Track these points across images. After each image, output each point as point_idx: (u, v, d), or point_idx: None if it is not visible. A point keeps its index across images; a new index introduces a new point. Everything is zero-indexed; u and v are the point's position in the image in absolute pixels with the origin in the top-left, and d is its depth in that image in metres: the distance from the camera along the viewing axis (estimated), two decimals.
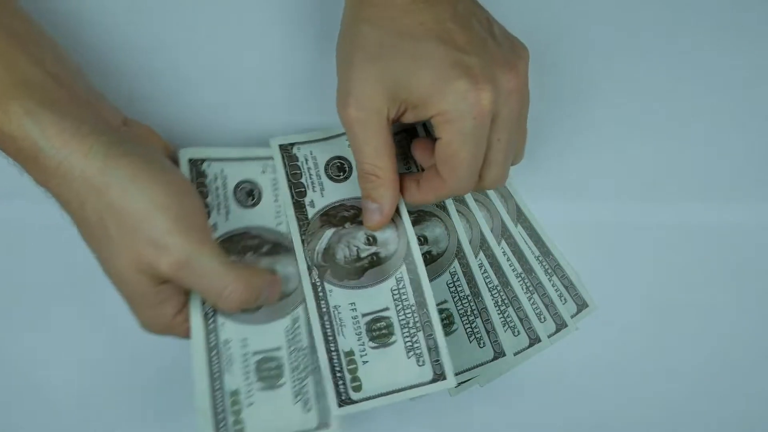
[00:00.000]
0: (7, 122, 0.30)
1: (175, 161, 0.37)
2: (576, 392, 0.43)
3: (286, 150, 0.40)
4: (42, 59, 0.32)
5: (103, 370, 0.41)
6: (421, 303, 0.37)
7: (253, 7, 0.43)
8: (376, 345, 0.36)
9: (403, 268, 0.38)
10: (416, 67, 0.32)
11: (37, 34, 0.34)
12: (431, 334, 0.36)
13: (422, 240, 0.41)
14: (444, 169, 0.34)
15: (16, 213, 0.41)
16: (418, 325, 0.37)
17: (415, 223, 0.41)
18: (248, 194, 0.38)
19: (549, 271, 0.44)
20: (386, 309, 0.37)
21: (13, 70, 0.31)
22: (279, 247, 0.38)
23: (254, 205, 0.38)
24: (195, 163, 0.37)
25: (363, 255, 0.38)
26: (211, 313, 0.35)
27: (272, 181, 0.39)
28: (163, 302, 0.33)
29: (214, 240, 0.33)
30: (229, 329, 0.35)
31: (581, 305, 0.43)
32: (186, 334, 0.35)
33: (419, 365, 0.36)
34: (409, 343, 0.36)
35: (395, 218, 0.38)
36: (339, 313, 0.37)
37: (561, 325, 0.43)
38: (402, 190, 0.37)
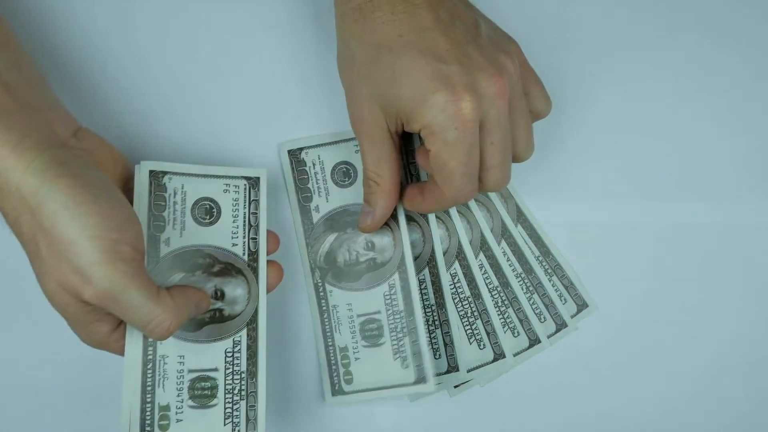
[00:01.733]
0: None
1: (128, 174, 0.37)
2: (576, 392, 0.43)
3: (294, 155, 0.42)
4: None
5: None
6: (409, 310, 0.40)
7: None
8: (367, 344, 0.40)
9: (396, 275, 0.40)
10: (397, 83, 0.33)
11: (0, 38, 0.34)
12: (416, 340, 0.39)
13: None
14: (439, 180, 0.35)
15: None
16: (405, 330, 0.39)
17: None
18: (207, 212, 0.38)
19: (549, 271, 0.44)
20: (378, 312, 0.40)
21: None
22: (230, 268, 0.37)
23: (211, 223, 0.38)
24: (156, 176, 0.37)
25: (362, 259, 0.40)
26: None
27: (233, 201, 0.38)
28: (95, 322, 0.33)
29: (147, 269, 0.33)
30: (166, 346, 0.35)
31: (581, 305, 0.44)
32: (122, 351, 0.34)
33: (404, 368, 0.39)
34: (396, 346, 0.39)
35: (393, 227, 0.41)
36: (337, 312, 0.40)
37: (561, 325, 0.43)
38: (406, 197, 0.39)
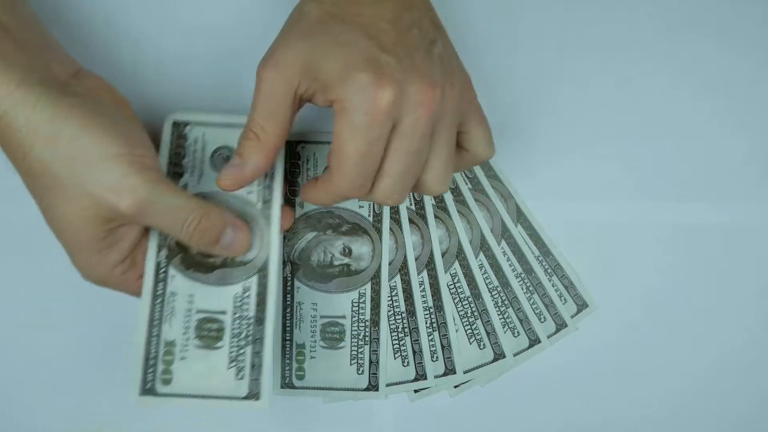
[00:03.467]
0: None
1: (129, 114, 0.37)
2: (576, 392, 0.43)
3: (177, 127, 0.39)
4: None
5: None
6: (375, 320, 0.41)
7: None
8: (325, 346, 0.41)
9: (368, 286, 0.41)
10: (334, 50, 0.32)
11: None
12: (375, 350, 0.41)
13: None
14: (333, 164, 0.33)
15: None
16: (366, 338, 0.41)
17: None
18: (225, 160, 0.38)
19: (549, 271, 0.44)
20: (342, 317, 0.41)
21: None
22: (244, 214, 0.37)
23: None
24: (178, 126, 0.38)
25: (335, 263, 0.41)
26: (163, 263, 0.36)
27: None
28: (106, 249, 0.33)
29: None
30: (178, 283, 0.36)
31: (581, 305, 0.44)
32: (122, 288, 0.35)
33: (359, 374, 0.40)
34: (354, 352, 0.41)
35: (374, 239, 0.41)
36: (301, 309, 0.41)
37: (561, 325, 0.43)
38: (303, 188, 0.37)
